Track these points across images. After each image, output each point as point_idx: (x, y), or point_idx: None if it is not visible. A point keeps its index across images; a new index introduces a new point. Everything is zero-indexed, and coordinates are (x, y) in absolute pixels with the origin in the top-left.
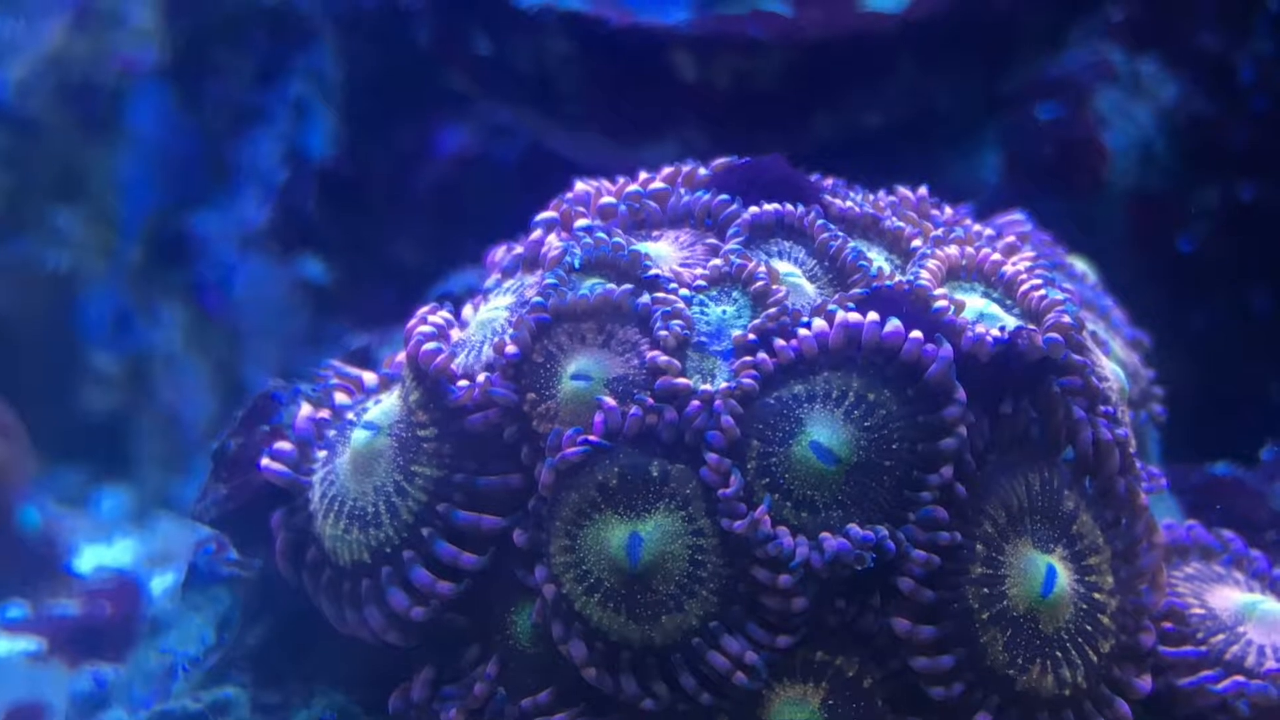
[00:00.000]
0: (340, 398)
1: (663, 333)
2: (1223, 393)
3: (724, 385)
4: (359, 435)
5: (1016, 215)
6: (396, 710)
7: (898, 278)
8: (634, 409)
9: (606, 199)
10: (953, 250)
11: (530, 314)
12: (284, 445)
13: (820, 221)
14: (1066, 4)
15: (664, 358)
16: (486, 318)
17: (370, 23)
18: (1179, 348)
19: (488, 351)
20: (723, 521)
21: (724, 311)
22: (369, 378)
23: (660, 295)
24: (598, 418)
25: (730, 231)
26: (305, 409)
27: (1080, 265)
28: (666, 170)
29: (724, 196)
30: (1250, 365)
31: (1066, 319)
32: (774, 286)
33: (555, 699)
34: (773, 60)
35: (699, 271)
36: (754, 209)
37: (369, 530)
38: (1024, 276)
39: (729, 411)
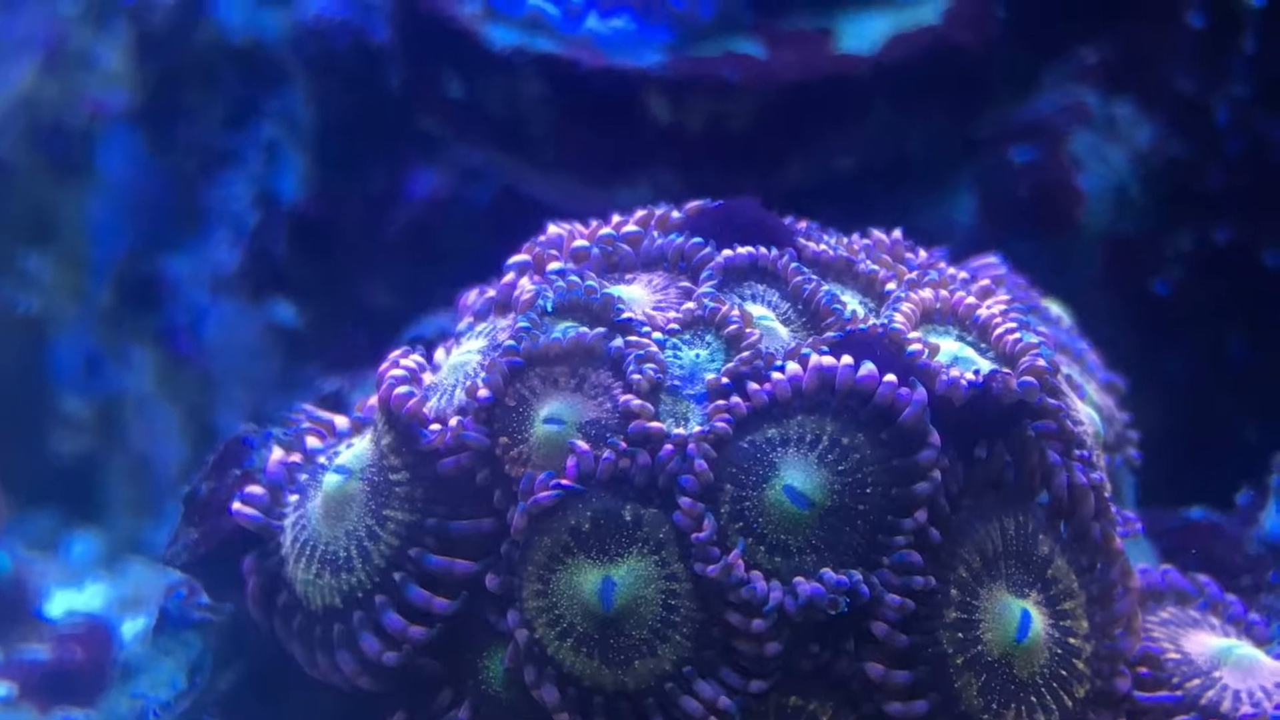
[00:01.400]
0: (312, 441)
1: (635, 376)
2: (1198, 437)
3: (697, 429)
4: (331, 479)
5: (991, 258)
6: None
7: (872, 321)
8: (607, 453)
9: (579, 242)
10: (927, 293)
11: (503, 357)
12: (255, 489)
13: (794, 265)
14: (1041, 47)
15: (637, 401)
16: (459, 361)
17: (342, 65)
18: (1154, 391)
19: (460, 395)
20: (696, 566)
21: (697, 355)
22: (341, 421)
23: (633, 339)
24: (570, 461)
25: (703, 275)
26: (277, 453)
27: (1055, 308)
28: (639, 213)
29: (697, 239)
30: (1225, 409)
31: (1041, 362)
32: (747, 330)
33: None
34: (746, 103)
35: (672, 315)
36: (727, 252)
37: (341, 575)
38: (998, 320)
39: (702, 455)
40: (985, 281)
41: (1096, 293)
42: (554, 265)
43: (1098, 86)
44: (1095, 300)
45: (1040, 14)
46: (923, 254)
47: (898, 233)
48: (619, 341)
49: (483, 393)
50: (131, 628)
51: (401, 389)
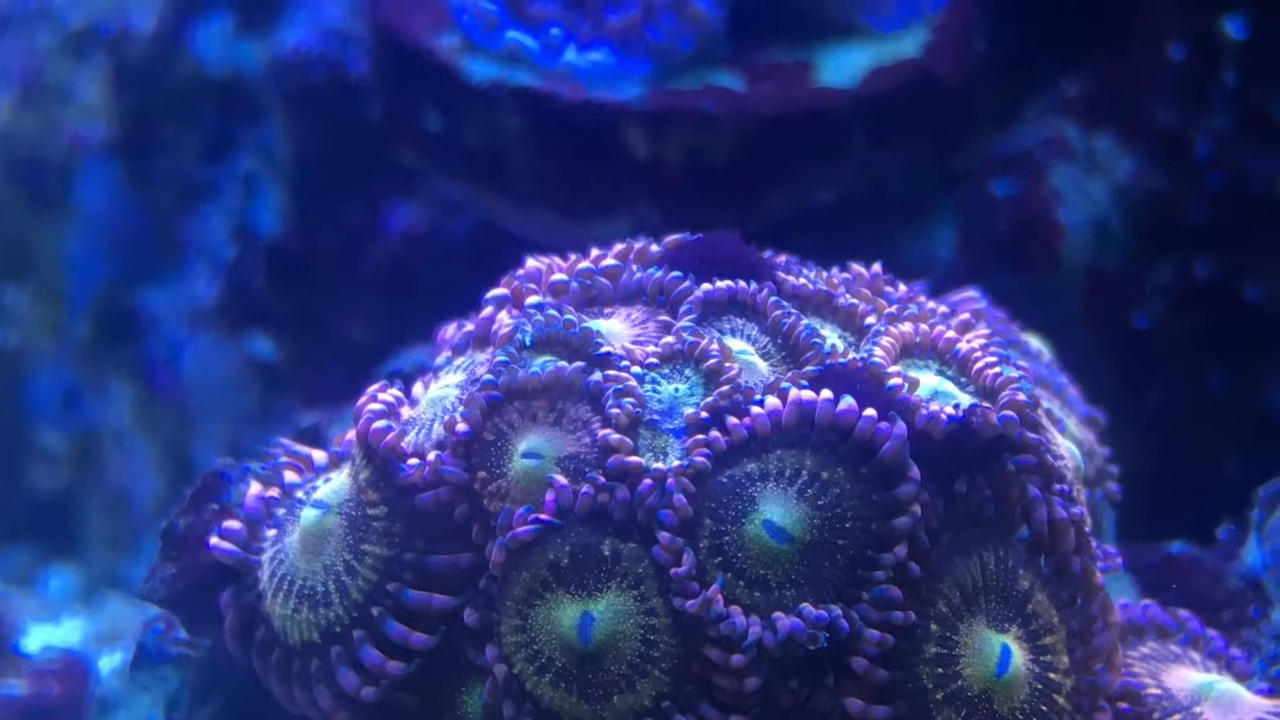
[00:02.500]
0: (289, 476)
1: (614, 411)
2: (1179, 471)
3: (676, 464)
4: (308, 514)
5: (971, 292)
6: None
7: (851, 355)
8: (585, 487)
9: (558, 276)
10: (907, 327)
11: (481, 392)
12: (233, 524)
13: (773, 299)
14: (1021, 79)
15: (616, 436)
16: (437, 395)
17: (320, 98)
18: (1135, 425)
19: (438, 429)
20: (675, 601)
21: (676, 389)
22: (318, 456)
23: (612, 373)
24: (549, 496)
25: (682, 309)
26: (254, 487)
27: (1035, 342)
28: (618, 247)
29: (676, 273)
30: (1206, 443)
31: (1021, 397)
32: (727, 364)
33: None
34: (725, 136)
35: (651, 349)
36: (706, 286)
37: (319, 609)
38: (978, 354)
39: (681, 490)
40: (965, 315)
41: (1077, 327)
42: (533, 299)
43: (1078, 119)
44: (1076, 334)
45: (1021, 47)
46: (902, 288)
47: (877, 266)
48: (598, 376)
49: (461, 427)
50: (109, 663)
51: (379, 423)
